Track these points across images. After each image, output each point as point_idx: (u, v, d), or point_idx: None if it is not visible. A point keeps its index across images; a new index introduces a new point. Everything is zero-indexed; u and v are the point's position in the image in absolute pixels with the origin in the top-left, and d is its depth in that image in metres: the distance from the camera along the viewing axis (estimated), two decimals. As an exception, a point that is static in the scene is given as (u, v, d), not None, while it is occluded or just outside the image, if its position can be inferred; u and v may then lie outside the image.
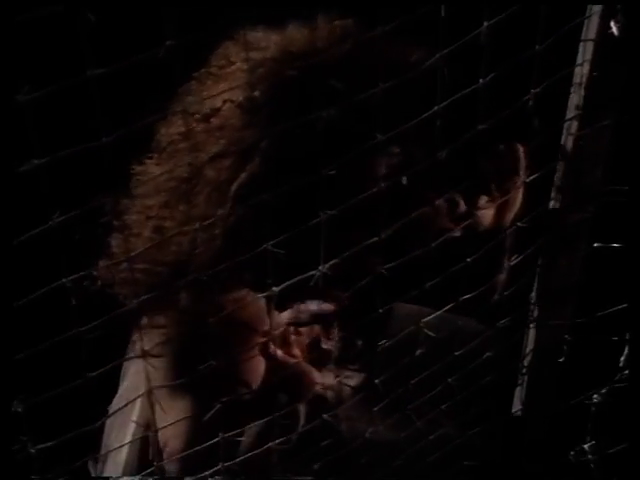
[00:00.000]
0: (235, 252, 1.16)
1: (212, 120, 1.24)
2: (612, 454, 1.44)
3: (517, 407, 1.41)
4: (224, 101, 1.24)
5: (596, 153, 1.17)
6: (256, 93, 1.22)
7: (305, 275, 1.03)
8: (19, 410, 0.89)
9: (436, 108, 0.97)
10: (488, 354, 1.33)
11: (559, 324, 1.31)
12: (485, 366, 1.35)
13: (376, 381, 1.23)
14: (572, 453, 1.44)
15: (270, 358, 1.26)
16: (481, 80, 1.00)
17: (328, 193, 0.99)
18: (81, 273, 0.89)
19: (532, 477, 1.44)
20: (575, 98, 1.13)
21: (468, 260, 1.14)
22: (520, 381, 1.39)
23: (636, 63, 1.10)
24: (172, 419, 1.23)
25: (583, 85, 1.11)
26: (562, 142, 1.16)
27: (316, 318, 1.29)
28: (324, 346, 1.32)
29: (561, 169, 1.19)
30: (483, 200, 1.31)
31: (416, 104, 1.09)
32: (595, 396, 1.43)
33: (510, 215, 1.35)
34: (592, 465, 1.44)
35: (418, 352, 1.26)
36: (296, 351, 1.31)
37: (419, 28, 1.09)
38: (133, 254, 1.06)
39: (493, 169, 1.30)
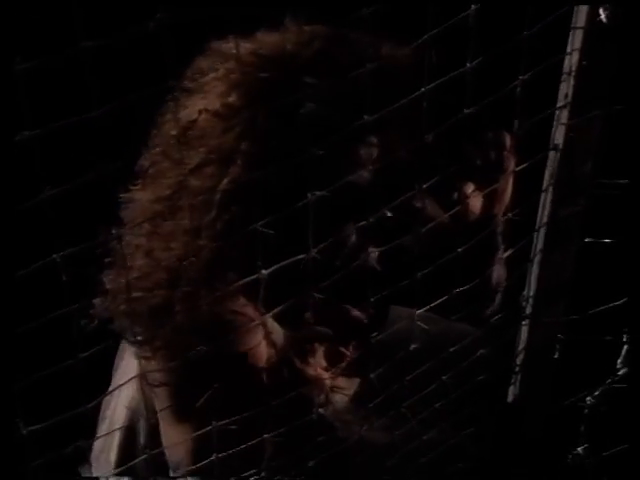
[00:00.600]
0: (226, 260, 1.17)
1: (190, 132, 1.24)
2: (607, 457, 1.43)
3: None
4: (200, 111, 1.24)
5: (587, 145, 1.17)
6: (231, 98, 1.23)
7: (296, 258, 1.04)
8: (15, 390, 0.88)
9: (423, 90, 0.97)
10: (481, 352, 1.33)
11: (552, 321, 1.31)
12: (478, 368, 1.35)
13: (371, 375, 1.22)
14: (567, 455, 1.43)
15: (288, 368, 1.25)
16: (468, 64, 1.00)
17: (314, 185, 1.00)
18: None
19: (525, 479, 1.43)
20: (565, 87, 1.13)
21: (459, 250, 1.14)
22: (513, 380, 1.38)
23: (626, 52, 1.11)
24: (180, 437, 1.22)
25: (573, 74, 1.11)
26: (552, 133, 1.17)
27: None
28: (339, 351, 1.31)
29: (552, 161, 1.19)
30: (471, 189, 1.31)
31: (395, 94, 1.11)
32: (588, 398, 1.43)
33: (500, 206, 1.35)
34: (586, 467, 1.43)
35: (412, 355, 1.26)
36: (312, 359, 1.30)
37: (392, 22, 1.11)
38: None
39: (480, 157, 1.30)
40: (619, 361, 1.39)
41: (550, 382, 1.38)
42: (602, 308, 1.32)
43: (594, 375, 1.42)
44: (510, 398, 1.40)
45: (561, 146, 1.16)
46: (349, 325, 1.25)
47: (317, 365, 1.23)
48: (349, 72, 1.08)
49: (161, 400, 1.29)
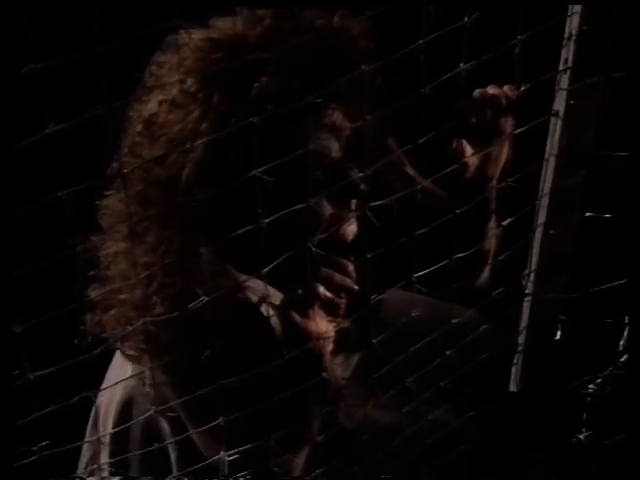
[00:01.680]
0: (198, 243, 1.18)
1: (152, 126, 1.26)
2: (609, 443, 1.42)
3: (513, 388, 1.38)
4: (160, 102, 1.27)
5: (588, 112, 1.17)
6: (187, 84, 1.25)
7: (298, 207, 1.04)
8: (17, 331, 0.87)
9: (420, 42, 0.98)
10: (484, 327, 1.32)
11: (553, 298, 1.30)
12: (479, 351, 1.34)
13: (374, 341, 1.22)
14: (569, 440, 1.42)
15: (289, 324, 1.25)
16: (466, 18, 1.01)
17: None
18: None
19: (528, 462, 1.41)
20: (565, 52, 1.13)
21: (458, 211, 1.14)
22: (515, 360, 1.37)
23: (627, 16, 1.11)
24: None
25: (573, 38, 1.11)
26: (554, 99, 1.17)
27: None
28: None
29: (553, 130, 1.19)
30: (465, 148, 1.32)
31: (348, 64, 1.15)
32: (591, 385, 1.42)
33: (495, 169, 1.35)
34: (588, 453, 1.42)
35: (412, 337, 1.26)
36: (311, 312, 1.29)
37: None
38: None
39: (475, 115, 1.31)
40: (621, 344, 1.38)
41: (552, 364, 1.36)
42: (604, 287, 1.31)
43: (598, 359, 1.40)
44: (512, 380, 1.39)
45: (562, 113, 1.16)
46: (342, 284, 1.25)
47: (317, 318, 1.23)
48: (300, 44, 1.12)
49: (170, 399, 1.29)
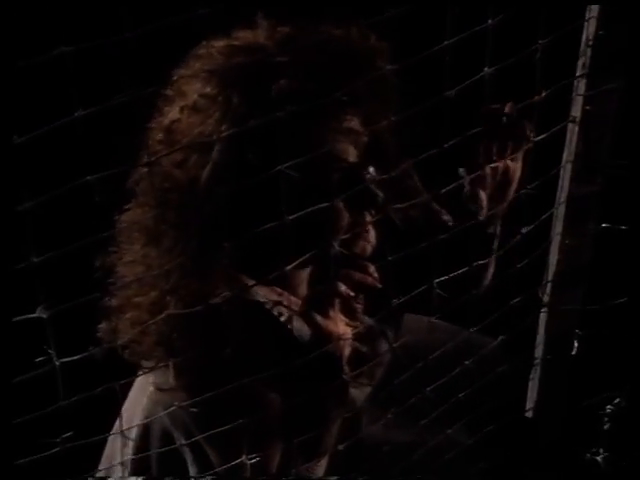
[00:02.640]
0: (217, 246, 1.17)
1: (173, 132, 1.27)
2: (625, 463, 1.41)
3: (530, 404, 1.37)
4: (181, 109, 1.28)
5: (604, 119, 1.17)
6: (207, 89, 1.26)
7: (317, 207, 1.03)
8: (44, 317, 0.85)
9: (446, 43, 0.98)
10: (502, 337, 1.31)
11: (570, 310, 1.30)
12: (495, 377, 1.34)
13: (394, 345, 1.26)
14: (584, 458, 1.41)
15: (310, 322, 1.24)
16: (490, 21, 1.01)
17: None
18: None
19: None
20: (581, 57, 1.14)
21: (479, 219, 1.14)
22: (532, 375, 1.36)
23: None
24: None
25: (590, 44, 1.12)
26: (571, 106, 1.17)
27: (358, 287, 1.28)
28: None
29: (570, 138, 1.19)
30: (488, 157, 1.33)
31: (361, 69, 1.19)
32: (608, 406, 1.41)
33: (511, 184, 1.36)
34: (604, 472, 1.41)
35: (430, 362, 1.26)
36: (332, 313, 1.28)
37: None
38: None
39: (493, 132, 1.32)
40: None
41: (568, 379, 1.36)
42: (623, 300, 1.31)
43: (616, 374, 1.40)
44: (528, 395, 1.38)
45: (578, 119, 1.16)
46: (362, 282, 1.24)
47: (338, 319, 1.22)
48: (319, 47, 1.18)
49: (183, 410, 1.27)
